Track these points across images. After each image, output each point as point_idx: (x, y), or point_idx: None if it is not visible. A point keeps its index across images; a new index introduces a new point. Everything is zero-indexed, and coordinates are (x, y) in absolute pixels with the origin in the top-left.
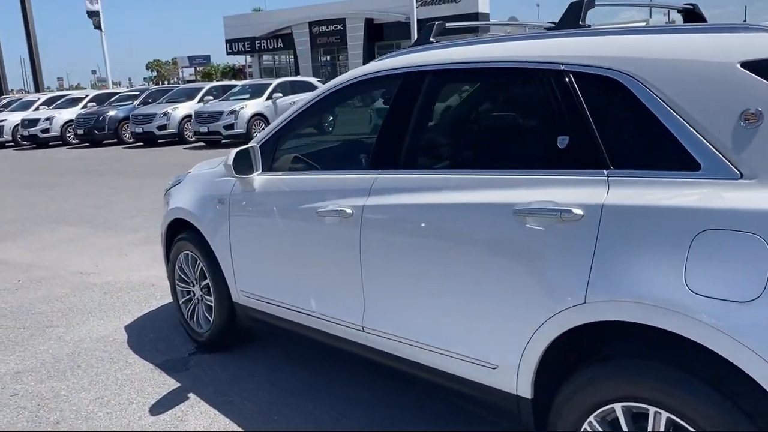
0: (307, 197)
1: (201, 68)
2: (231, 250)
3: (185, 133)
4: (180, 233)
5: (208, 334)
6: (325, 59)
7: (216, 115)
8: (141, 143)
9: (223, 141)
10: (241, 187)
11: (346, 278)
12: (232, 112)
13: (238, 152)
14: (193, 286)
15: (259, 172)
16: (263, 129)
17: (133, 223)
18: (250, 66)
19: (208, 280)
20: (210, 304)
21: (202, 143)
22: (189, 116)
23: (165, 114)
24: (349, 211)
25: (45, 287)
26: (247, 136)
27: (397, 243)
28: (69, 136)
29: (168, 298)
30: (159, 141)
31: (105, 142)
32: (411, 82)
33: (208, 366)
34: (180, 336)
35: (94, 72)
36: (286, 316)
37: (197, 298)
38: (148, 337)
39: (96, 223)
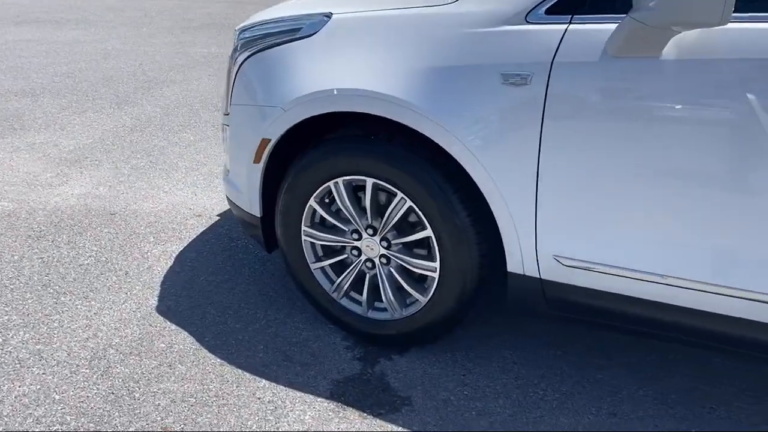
0: None
1: None
2: (538, 180)
3: None
4: (313, 141)
5: (405, 325)
6: None
7: None
8: None
9: None
10: (611, 48)
11: None
12: None
13: None
14: (359, 239)
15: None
16: None
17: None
18: None
19: (427, 232)
20: (424, 272)
21: None
22: None
23: None
24: None
25: None
26: None
27: None
28: None
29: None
30: None
31: None
32: None
33: (435, 391)
34: (305, 316)
35: None
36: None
37: (369, 262)
38: (257, 318)
39: None
